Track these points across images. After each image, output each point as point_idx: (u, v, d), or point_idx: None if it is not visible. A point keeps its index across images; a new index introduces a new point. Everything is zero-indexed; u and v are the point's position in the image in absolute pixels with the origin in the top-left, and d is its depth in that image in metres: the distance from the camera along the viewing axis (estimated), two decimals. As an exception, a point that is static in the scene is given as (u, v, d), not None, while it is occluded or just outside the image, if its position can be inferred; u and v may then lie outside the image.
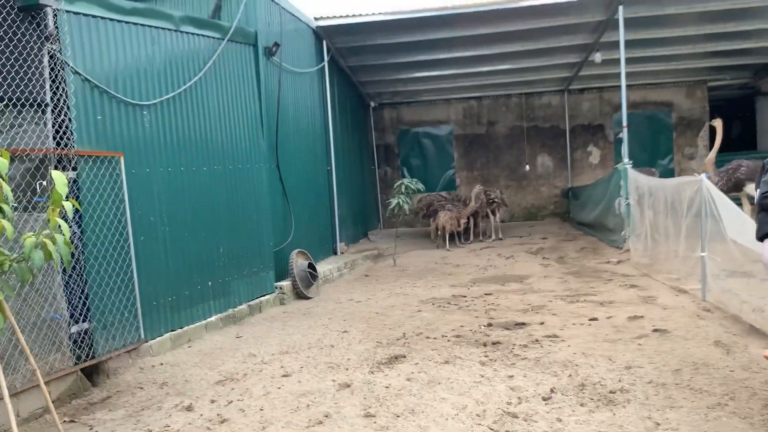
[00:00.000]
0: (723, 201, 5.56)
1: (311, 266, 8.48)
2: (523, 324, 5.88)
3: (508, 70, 14.14)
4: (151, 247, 5.96)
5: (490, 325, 5.94)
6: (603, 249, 10.77)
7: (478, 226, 12.92)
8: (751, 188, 9.62)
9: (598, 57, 12.18)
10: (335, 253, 11.31)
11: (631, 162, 10.14)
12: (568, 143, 16.15)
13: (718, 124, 10.42)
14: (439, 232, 12.18)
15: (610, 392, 3.84)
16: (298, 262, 8.33)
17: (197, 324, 6.46)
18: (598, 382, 4.04)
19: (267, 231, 7.96)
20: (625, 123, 10.33)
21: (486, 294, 7.60)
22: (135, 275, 5.59)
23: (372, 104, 16.30)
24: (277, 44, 8.47)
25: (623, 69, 10.23)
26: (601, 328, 5.51)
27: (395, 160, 16.82)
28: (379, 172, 16.74)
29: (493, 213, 12.73)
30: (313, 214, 10.16)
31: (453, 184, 16.63)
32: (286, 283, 8.09)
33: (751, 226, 5.00)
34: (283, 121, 9.01)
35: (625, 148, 10.28)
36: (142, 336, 5.63)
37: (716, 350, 4.58)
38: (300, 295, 8.16)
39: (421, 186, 10.36)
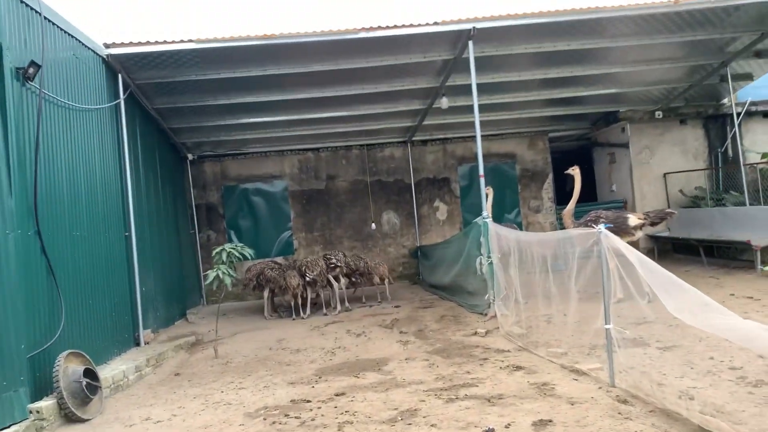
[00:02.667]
0: (644, 261, 4.41)
1: (90, 372, 6.15)
2: (395, 449, 4.20)
3: (347, 117, 12.94)
4: None
5: (347, 455, 4.18)
6: (465, 316, 9.57)
7: (318, 296, 11.20)
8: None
9: (444, 102, 11.38)
10: (138, 344, 8.91)
11: (490, 216, 9.17)
12: (414, 198, 15.24)
13: (576, 172, 9.92)
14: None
15: None
16: (68, 369, 5.96)
17: None
18: None
19: (15, 327, 5.57)
20: (481, 172, 9.40)
21: (337, 395, 5.83)
22: None
23: (190, 156, 14.19)
24: (35, 65, 6.28)
25: (476, 110, 9.36)
26: (505, 448, 3.99)
27: (220, 222, 14.71)
28: (201, 237, 14.50)
29: (336, 280, 11.11)
30: (101, 296, 7.78)
31: (290, 248, 14.85)
32: (47, 404, 5.66)
33: (697, 298, 3.87)
34: (51, 172, 6.74)
35: (484, 200, 9.29)
36: None
37: (683, 482, 3.24)
38: (71, 418, 5.76)
39: (249, 251, 8.47)
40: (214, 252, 8.24)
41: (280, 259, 13.76)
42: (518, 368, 6.16)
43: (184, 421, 5.49)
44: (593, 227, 9.68)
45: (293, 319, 10.81)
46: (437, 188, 15.43)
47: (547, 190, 15.56)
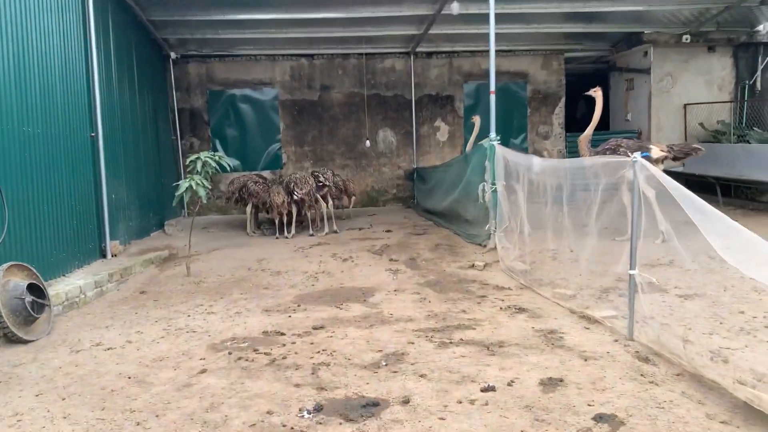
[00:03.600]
0: (689, 197, 3.66)
1: (36, 288, 5.48)
2: (376, 404, 3.57)
3: (345, 20, 11.80)
4: None
5: (319, 409, 3.54)
6: (461, 246, 8.93)
7: (303, 215, 10.44)
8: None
9: (455, 7, 10.27)
10: (104, 257, 8.25)
11: (498, 138, 8.34)
12: (413, 116, 14.29)
13: (597, 94, 9.02)
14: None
15: None
16: (8, 283, 5.28)
17: None
18: None
19: (-55, 234, 4.84)
20: (492, 87, 8.45)
21: (315, 328, 5.21)
22: None
23: (173, 55, 13.10)
24: None
25: (492, 17, 8.29)
26: (508, 412, 3.36)
27: (204, 130, 13.78)
28: (183, 144, 13.61)
29: (324, 199, 10.36)
30: (60, 202, 7.03)
31: (278, 162, 14.03)
32: (-18, 321, 5.02)
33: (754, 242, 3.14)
34: (-7, 54, 5.82)
35: (492, 120, 8.43)
36: None
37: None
38: (11, 339, 5.13)
39: (228, 161, 7.69)
40: (188, 160, 7.42)
41: (267, 174, 13.03)
42: (521, 310, 5.53)
43: (139, 349, 4.87)
44: (613, 155, 9.04)
45: (276, 238, 10.15)
46: (439, 106, 14.46)
47: (558, 115, 14.62)
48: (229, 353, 4.66)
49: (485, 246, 8.44)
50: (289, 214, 9.97)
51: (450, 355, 4.36)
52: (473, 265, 7.58)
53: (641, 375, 3.82)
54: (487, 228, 8.45)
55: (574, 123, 17.63)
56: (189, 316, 5.87)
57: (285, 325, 5.37)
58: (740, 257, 3.23)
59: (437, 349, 4.53)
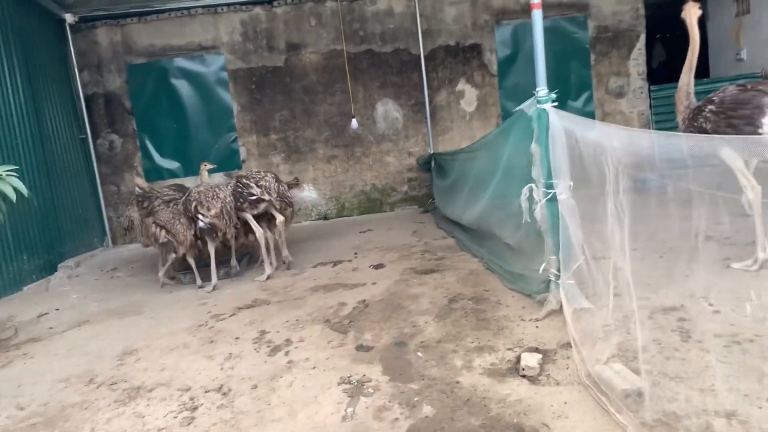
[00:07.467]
0: None
1: None
2: None
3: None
4: None
5: None
6: (497, 301, 5.13)
7: (229, 244, 6.71)
8: None
9: None
10: None
11: (553, 95, 4.44)
12: (425, 79, 10.41)
13: (692, 11, 5.20)
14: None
15: None
16: None
17: None
18: None
19: None
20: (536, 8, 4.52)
21: None
22: None
23: (69, 18, 9.57)
24: None
25: None
26: None
27: (127, 122, 10.21)
28: (99, 144, 10.09)
29: (262, 220, 6.60)
30: None
31: (236, 159, 10.38)
32: None
33: None
34: None
35: (540, 66, 4.51)
36: None
37: None
38: None
39: (18, 185, 3.99)
40: None
41: (220, 177, 9.47)
42: None
43: None
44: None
45: (201, 288, 6.46)
46: (462, 62, 10.54)
47: (637, 60, 10.51)
48: None
49: (542, 302, 4.62)
50: (200, 250, 6.29)
51: None
52: (518, 367, 3.77)
53: None
54: (542, 268, 4.61)
55: (649, 75, 13.56)
56: None
57: None
58: None
59: None
